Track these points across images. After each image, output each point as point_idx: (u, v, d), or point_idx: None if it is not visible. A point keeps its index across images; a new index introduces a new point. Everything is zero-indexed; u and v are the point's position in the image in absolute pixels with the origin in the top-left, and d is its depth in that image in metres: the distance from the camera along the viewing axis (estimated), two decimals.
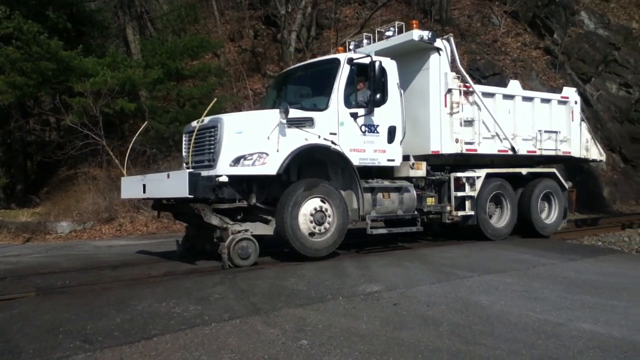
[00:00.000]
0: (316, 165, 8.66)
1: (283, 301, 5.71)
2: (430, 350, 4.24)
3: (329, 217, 8.26)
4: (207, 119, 8.27)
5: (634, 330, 4.74)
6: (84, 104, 15.74)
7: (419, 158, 9.64)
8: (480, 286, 6.46)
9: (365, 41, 10.40)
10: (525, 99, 10.97)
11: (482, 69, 22.04)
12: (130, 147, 10.15)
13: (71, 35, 17.74)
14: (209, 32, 22.94)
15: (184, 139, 8.95)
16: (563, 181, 11.66)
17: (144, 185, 8.25)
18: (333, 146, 8.38)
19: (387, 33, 10.02)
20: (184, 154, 8.88)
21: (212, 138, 8.05)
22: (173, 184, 7.61)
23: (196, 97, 18.07)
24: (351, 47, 10.40)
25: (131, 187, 8.91)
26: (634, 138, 22.65)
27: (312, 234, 8.14)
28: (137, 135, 10.48)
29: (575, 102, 11.74)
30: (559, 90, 12.08)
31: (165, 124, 17.01)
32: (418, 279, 6.84)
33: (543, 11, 25.96)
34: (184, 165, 8.72)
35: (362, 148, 8.74)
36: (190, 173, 7.39)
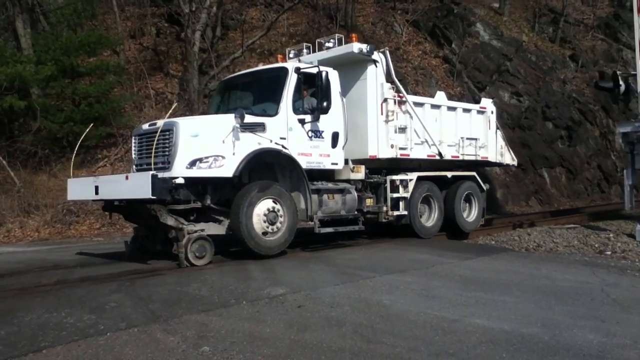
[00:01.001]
0: (265, 168, 9.01)
1: (184, 307, 5.54)
2: (333, 351, 4.27)
3: (281, 217, 8.69)
4: (160, 122, 8.50)
5: (522, 323, 5.02)
6: None
7: (356, 162, 10.23)
8: (382, 286, 6.60)
9: (305, 50, 10.83)
10: (449, 108, 11.94)
11: None
12: (75, 149, 10.42)
13: None
14: (108, 28, 21.94)
15: (133, 141, 9.12)
16: (481, 183, 12.69)
17: (97, 187, 8.33)
18: (284, 150, 8.87)
19: (328, 44, 10.55)
20: (133, 156, 9.10)
21: (167, 141, 8.23)
22: (133, 186, 7.77)
23: (93, 95, 17.22)
24: (291, 55, 10.89)
25: (80, 188, 9.08)
26: (524, 144, 24.17)
27: (265, 233, 8.53)
28: (81, 139, 10.67)
29: (492, 112, 12.89)
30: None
31: (58, 123, 16.07)
32: (322, 281, 6.88)
33: (442, 22, 27.14)
34: (133, 167, 9.01)
35: (309, 152, 9.31)
36: (152, 175, 7.55)
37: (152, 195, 7.49)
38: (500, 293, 6.30)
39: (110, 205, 9.12)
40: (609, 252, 9.59)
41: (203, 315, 5.25)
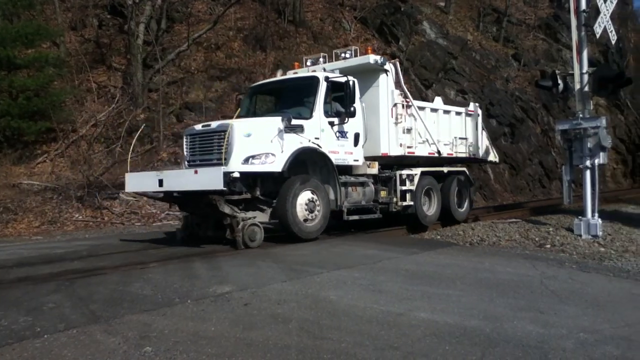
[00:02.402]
0: (298, 163, 9.95)
1: (126, 307, 5.38)
2: (279, 348, 4.24)
3: (318, 206, 10.02)
4: (214, 124, 9.90)
5: (465, 316, 5.12)
6: None
7: (369, 159, 11.41)
8: (330, 282, 6.60)
9: (321, 59, 12.06)
10: (445, 112, 13.43)
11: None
12: (132, 145, 11.70)
13: None
14: (47, 19, 21.15)
15: (185, 140, 10.29)
16: (470, 178, 14.44)
17: (161, 180, 9.35)
18: (320, 148, 10.16)
19: (345, 55, 11.85)
20: (185, 153, 10.30)
21: (223, 140, 9.27)
22: (203, 179, 8.83)
23: (31, 88, 16.63)
24: (308, 63, 12.16)
25: (140, 181, 10.30)
26: None
27: (305, 220, 9.84)
28: (135, 138, 11.91)
29: (478, 115, 14.47)
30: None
31: None
32: (270, 278, 6.82)
33: (389, 19, 27.45)
34: (185, 163, 10.25)
35: (337, 150, 10.59)
36: (224, 170, 8.68)
37: (224, 187, 8.59)
38: (444, 287, 6.41)
39: (169, 197, 10.14)
40: (548, 246, 9.90)
41: (146, 315, 5.12)
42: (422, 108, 12.60)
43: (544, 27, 35.43)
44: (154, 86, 20.47)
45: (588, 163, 10.64)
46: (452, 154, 13.36)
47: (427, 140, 12.55)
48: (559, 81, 11.38)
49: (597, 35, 11.01)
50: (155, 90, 20.26)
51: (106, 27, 23.30)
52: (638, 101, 37.17)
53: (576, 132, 10.64)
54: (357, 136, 10.93)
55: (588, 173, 10.66)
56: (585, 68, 10.83)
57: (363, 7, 28.23)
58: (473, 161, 15.02)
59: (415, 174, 12.26)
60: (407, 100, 12.09)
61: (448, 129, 13.33)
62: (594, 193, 10.59)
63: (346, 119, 10.57)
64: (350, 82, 10.46)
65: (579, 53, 10.89)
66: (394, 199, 11.87)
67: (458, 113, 13.91)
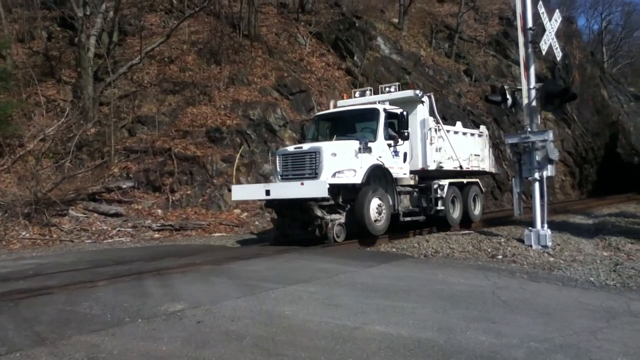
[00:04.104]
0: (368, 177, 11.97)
1: (74, 328, 5.20)
2: None
3: (384, 210, 12.14)
4: (306, 146, 12.30)
5: (419, 328, 5.15)
6: None
7: (410, 173, 13.59)
8: (285, 297, 6.54)
9: (367, 92, 14.71)
10: (463, 133, 16.13)
11: (290, 85, 22.77)
12: (237, 159, 14.38)
13: None
14: None
15: (278, 159, 12.46)
16: (482, 187, 17.17)
17: (268, 190, 11.71)
18: (384, 165, 12.36)
19: (390, 89, 14.43)
20: (278, 169, 12.42)
21: (314, 159, 11.68)
22: (310, 189, 11.16)
23: None
24: (357, 95, 14.97)
25: (248, 192, 13.09)
26: None
27: (376, 221, 11.93)
28: (237, 156, 14.68)
29: (487, 135, 17.34)
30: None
31: None
32: (224, 294, 6.71)
33: (344, 35, 27.72)
34: (278, 177, 12.37)
35: (392, 166, 12.81)
36: (328, 182, 11.00)
37: (328, 195, 10.93)
38: (399, 299, 6.44)
39: (271, 203, 12.60)
40: (500, 257, 10.09)
41: (94, 336, 4.95)
42: (448, 131, 15.01)
43: (494, 44, 36.42)
44: (105, 100, 20.04)
45: (537, 175, 10.91)
46: (468, 168, 15.88)
47: (452, 157, 14.87)
48: (508, 96, 11.69)
49: (544, 52, 11.36)
50: (107, 104, 19.84)
51: (56, 40, 22.73)
52: (584, 115, 38.56)
53: (525, 146, 10.91)
54: (405, 155, 13.30)
55: (537, 185, 10.93)
56: (532, 83, 11.14)
57: (318, 22, 28.43)
58: (483, 173, 17.49)
59: (445, 185, 14.57)
60: (439, 125, 14.48)
61: (465, 148, 15.83)
62: (543, 204, 10.85)
63: (400, 141, 12.86)
64: (404, 113, 12.83)
65: (527, 69, 11.22)
66: (430, 205, 14.14)
67: (472, 134, 16.66)
